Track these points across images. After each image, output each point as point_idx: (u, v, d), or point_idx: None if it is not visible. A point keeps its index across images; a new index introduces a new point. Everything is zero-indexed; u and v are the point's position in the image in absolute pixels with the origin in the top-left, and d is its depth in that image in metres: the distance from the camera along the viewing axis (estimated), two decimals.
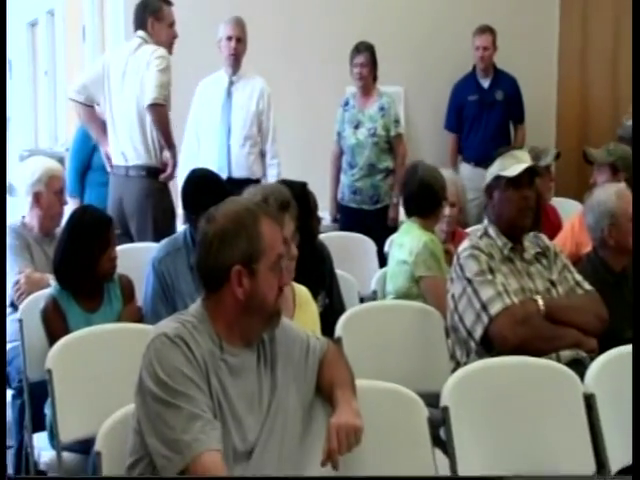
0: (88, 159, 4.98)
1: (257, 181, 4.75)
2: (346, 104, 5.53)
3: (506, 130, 6.22)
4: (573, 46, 6.87)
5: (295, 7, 5.97)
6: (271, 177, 4.88)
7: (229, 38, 4.95)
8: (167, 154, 4.51)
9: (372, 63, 5.42)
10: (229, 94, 4.99)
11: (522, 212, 3.10)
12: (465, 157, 6.18)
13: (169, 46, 4.57)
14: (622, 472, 2.51)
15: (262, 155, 5.02)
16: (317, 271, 3.29)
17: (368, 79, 5.43)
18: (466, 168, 6.06)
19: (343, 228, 5.31)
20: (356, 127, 5.44)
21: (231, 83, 5.01)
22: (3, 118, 4.67)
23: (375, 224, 5.21)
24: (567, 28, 6.84)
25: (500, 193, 3.11)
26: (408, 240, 3.69)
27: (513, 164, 3.11)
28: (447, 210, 4.03)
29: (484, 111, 6.14)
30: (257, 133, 4.98)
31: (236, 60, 4.98)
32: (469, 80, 6.23)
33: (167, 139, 4.49)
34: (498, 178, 3.12)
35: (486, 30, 6.10)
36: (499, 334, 2.94)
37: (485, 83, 6.22)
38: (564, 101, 6.86)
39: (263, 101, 4.98)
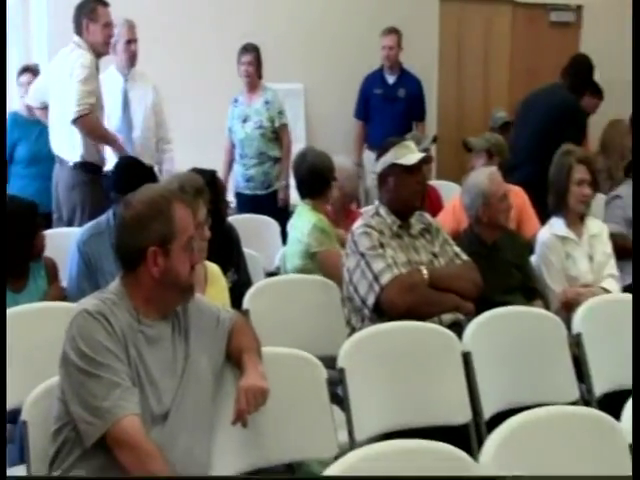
0: (10, 152, 4.80)
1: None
2: (236, 101, 5.47)
3: (407, 125, 5.98)
4: (450, 48, 6.98)
5: (191, 7, 5.87)
6: (166, 161, 4.88)
7: (129, 42, 4.82)
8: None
9: (257, 62, 5.39)
10: (126, 91, 4.88)
11: (416, 195, 3.15)
12: (369, 145, 6.08)
13: (105, 46, 4.39)
14: (494, 418, 2.57)
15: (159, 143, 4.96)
16: (226, 250, 3.26)
17: (254, 77, 5.39)
18: (369, 155, 5.90)
19: (240, 213, 5.18)
20: (244, 121, 5.38)
21: (126, 81, 4.90)
22: (3, 118, 4.64)
23: (269, 207, 5.18)
24: (445, 31, 6.93)
25: (396, 179, 3.11)
26: (300, 222, 3.69)
27: (407, 153, 3.13)
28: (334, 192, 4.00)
29: (387, 105, 6.11)
30: (154, 125, 4.89)
31: (133, 60, 4.87)
32: (377, 75, 6.19)
33: (105, 141, 4.37)
34: (393, 166, 3.12)
35: (392, 31, 6.09)
36: (389, 301, 2.96)
37: (390, 79, 6.19)
38: (443, 97, 6.96)
39: (155, 94, 4.90)
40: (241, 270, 3.33)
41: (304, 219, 3.67)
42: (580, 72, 4.43)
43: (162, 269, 2.07)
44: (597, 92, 4.57)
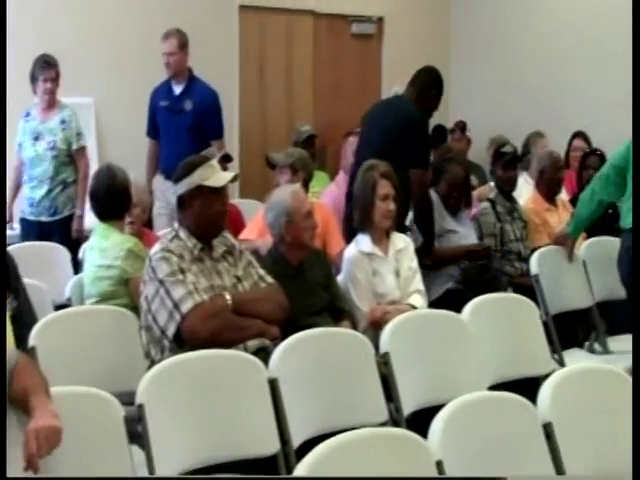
0: None
1: None
2: (27, 115, 5.26)
3: (199, 142, 5.29)
4: (252, 61, 7.09)
5: None
6: None
7: None
8: None
9: (57, 77, 5.22)
10: None
11: (222, 216, 3.18)
12: (159, 167, 5.65)
13: None
14: (304, 446, 2.65)
15: None
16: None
17: (54, 93, 5.21)
18: (158, 180, 5.60)
19: (23, 240, 4.96)
20: (36, 139, 5.18)
21: None
22: (3, 118, 4.62)
23: (55, 235, 4.99)
24: (246, 40, 7.03)
25: (202, 201, 3.12)
26: (110, 245, 3.61)
27: (213, 174, 3.15)
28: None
29: (173, 119, 5.60)
30: None
31: None
32: (164, 86, 5.73)
33: None
34: (200, 187, 3.13)
35: (170, 35, 5.60)
36: (191, 330, 2.97)
37: (177, 90, 5.68)
38: (245, 112, 7.05)
39: None
40: (21, 296, 3.20)
41: (115, 242, 3.60)
42: (424, 83, 4.60)
43: None
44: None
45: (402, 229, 4.19)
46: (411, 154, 4.28)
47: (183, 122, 5.57)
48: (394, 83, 7.96)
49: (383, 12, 7.87)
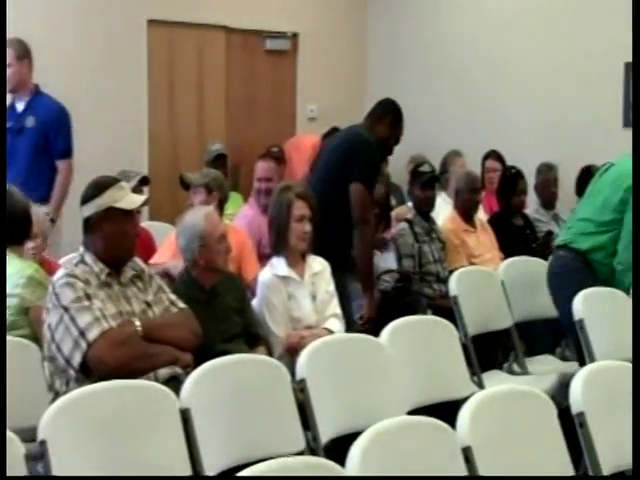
0: None
1: None
2: None
3: (45, 164, 5.16)
4: (161, 78, 7.05)
5: None
6: None
7: None
8: None
9: None
10: None
11: (133, 240, 3.16)
12: None
13: None
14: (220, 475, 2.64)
15: None
16: None
17: None
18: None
19: None
20: None
21: None
22: (3, 119, 4.63)
23: None
24: (155, 57, 6.99)
25: (113, 224, 3.09)
26: (9, 272, 3.53)
27: (124, 196, 3.12)
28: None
29: (17, 139, 5.22)
30: None
31: None
32: (11, 104, 5.38)
33: None
34: (110, 209, 3.09)
35: (8, 45, 5.25)
36: (98, 359, 2.92)
37: (20, 106, 5.34)
38: (155, 130, 7.00)
39: None
40: None
41: (14, 269, 3.51)
42: (378, 112, 4.63)
43: None
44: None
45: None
46: (353, 168, 4.30)
47: (26, 141, 5.26)
48: (309, 101, 8.05)
49: (298, 28, 7.93)
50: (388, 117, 4.57)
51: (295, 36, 7.97)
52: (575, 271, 4.09)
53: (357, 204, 4.32)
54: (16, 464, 2.25)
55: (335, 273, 3.97)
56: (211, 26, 7.30)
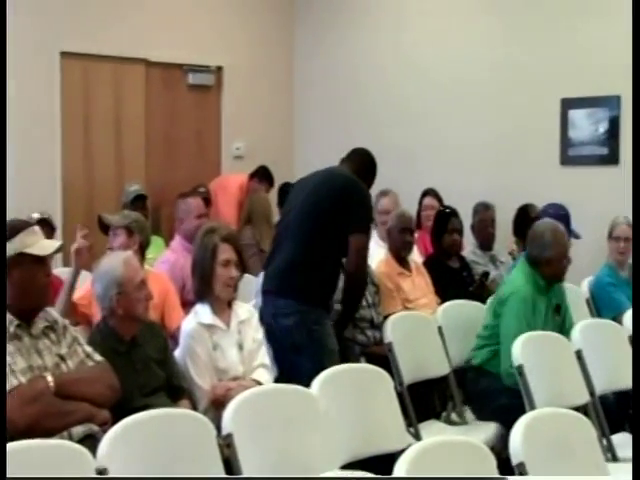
0: None
1: None
2: None
3: None
4: (76, 113, 7.02)
5: None
6: None
7: None
8: None
9: None
10: None
11: (46, 289, 3.15)
12: None
13: None
14: None
15: None
16: None
17: None
18: None
19: None
20: None
21: None
22: (3, 120, 4.62)
23: None
24: (69, 91, 6.96)
25: (24, 271, 3.07)
26: None
27: (37, 241, 3.11)
28: None
29: None
30: None
31: None
32: None
33: None
34: (22, 255, 3.06)
35: None
36: (7, 417, 2.88)
37: None
38: (68, 169, 6.95)
39: None
40: None
41: None
42: (362, 161, 4.63)
43: None
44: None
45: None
46: (355, 218, 4.30)
47: None
48: (235, 138, 8.11)
49: (222, 61, 8.01)
50: (370, 173, 4.59)
51: (219, 70, 8.04)
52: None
53: (360, 255, 4.35)
54: None
55: (317, 310, 4.20)
56: (129, 59, 7.33)
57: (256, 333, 3.93)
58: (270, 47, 8.36)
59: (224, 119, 8.08)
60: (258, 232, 6.33)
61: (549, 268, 4.44)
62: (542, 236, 4.46)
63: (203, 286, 3.86)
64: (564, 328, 4.52)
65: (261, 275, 4.64)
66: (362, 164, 4.58)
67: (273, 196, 7.48)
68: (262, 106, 8.26)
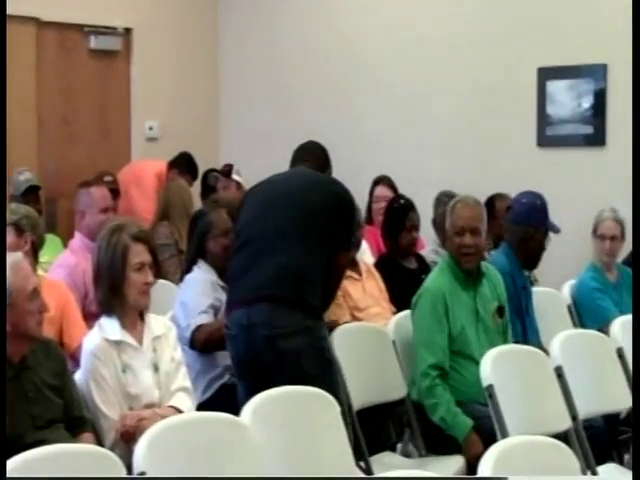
0: None
1: None
2: None
3: None
4: None
5: None
6: None
7: None
8: None
9: None
10: None
11: None
12: None
13: None
14: None
15: None
16: None
17: None
18: None
19: None
20: None
21: None
22: (3, 119, 4.94)
23: None
24: None
25: None
26: None
27: None
28: None
29: None
30: None
31: None
32: None
33: None
34: None
35: None
36: None
37: None
38: None
39: None
40: None
41: None
42: (319, 155, 4.71)
43: None
44: None
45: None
46: (345, 234, 4.47)
47: None
48: (148, 117, 8.07)
49: (131, 22, 7.97)
50: (327, 169, 4.72)
51: (128, 32, 8.00)
52: None
53: (343, 275, 4.56)
54: None
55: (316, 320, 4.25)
56: (16, 17, 7.20)
57: (174, 351, 3.93)
58: (191, 4, 8.34)
59: (134, 92, 8.06)
60: (176, 229, 6.32)
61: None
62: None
63: (111, 295, 3.85)
64: (506, 336, 4.67)
65: (187, 282, 4.68)
66: (320, 165, 4.69)
67: (195, 187, 7.48)
68: (181, 77, 8.24)
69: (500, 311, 4.67)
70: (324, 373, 4.17)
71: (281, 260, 4.29)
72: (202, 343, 4.53)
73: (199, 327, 4.56)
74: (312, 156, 4.73)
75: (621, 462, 4.52)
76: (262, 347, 4.19)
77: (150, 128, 8.12)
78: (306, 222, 4.36)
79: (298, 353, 4.18)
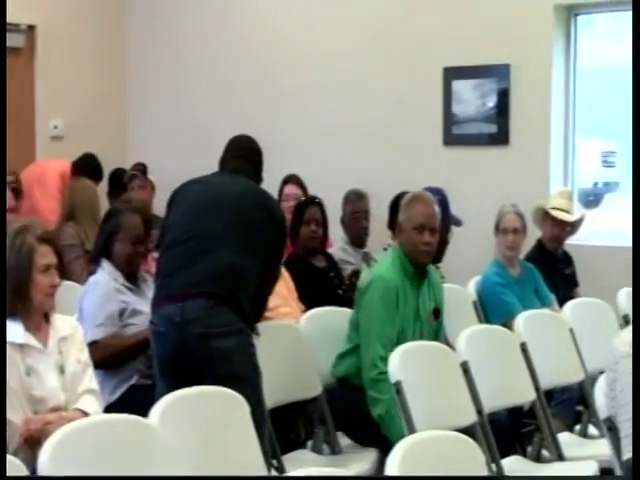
0: None
1: None
2: None
3: None
4: None
5: None
6: None
7: None
8: None
9: None
10: None
11: None
12: None
13: None
14: None
15: None
16: None
17: None
18: None
19: None
20: None
21: None
22: (3, 119, 5.23)
23: None
24: None
25: None
26: None
27: None
28: None
29: None
30: None
31: None
32: None
33: None
34: None
35: None
36: None
37: None
38: None
39: None
40: None
41: None
42: (255, 155, 4.68)
43: None
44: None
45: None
46: (280, 249, 4.53)
47: None
48: (52, 115, 7.97)
49: (35, 19, 7.87)
50: (261, 163, 4.73)
51: (31, 29, 7.90)
52: None
53: (273, 288, 4.59)
54: None
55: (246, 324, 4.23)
56: None
57: (80, 353, 3.88)
58: (95, 3, 8.26)
59: (38, 90, 7.95)
60: (82, 229, 6.25)
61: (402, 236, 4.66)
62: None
63: (15, 298, 3.79)
64: (439, 337, 4.69)
65: (89, 285, 4.63)
66: (256, 160, 4.72)
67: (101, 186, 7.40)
68: (86, 75, 8.15)
69: (436, 313, 4.69)
70: (252, 375, 4.18)
71: (221, 260, 4.27)
72: (96, 360, 4.28)
73: (94, 343, 4.41)
74: (248, 152, 4.72)
75: (524, 454, 4.59)
76: (194, 345, 4.16)
77: (55, 127, 8.02)
78: (245, 230, 4.35)
79: (230, 353, 4.17)
